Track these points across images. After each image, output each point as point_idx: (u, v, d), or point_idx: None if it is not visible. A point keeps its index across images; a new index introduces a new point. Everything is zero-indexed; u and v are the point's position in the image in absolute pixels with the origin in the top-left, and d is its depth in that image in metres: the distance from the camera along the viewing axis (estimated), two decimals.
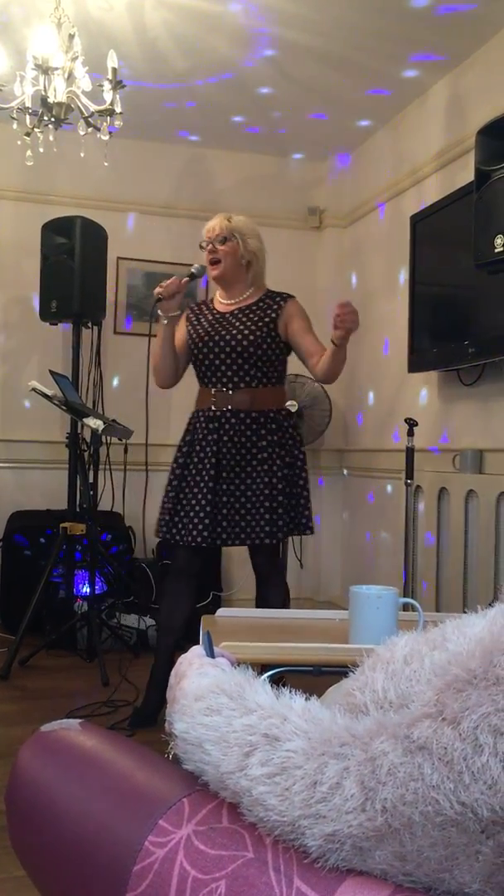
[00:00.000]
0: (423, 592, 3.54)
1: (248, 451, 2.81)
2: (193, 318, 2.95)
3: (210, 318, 2.92)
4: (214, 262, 2.88)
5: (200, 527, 2.74)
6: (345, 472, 4.79)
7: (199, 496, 2.77)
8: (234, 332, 2.83)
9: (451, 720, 0.61)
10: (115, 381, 4.53)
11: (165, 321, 2.86)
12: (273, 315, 2.86)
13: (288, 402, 3.53)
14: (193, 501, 2.79)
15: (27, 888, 1.55)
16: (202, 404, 2.89)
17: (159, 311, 2.85)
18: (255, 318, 2.85)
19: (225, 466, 2.80)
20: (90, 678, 3.30)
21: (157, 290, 2.84)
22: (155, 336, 2.97)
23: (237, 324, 2.85)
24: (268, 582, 2.97)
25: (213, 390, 2.85)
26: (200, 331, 2.89)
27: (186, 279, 2.87)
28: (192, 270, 2.91)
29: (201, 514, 2.75)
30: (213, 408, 2.84)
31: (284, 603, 2.98)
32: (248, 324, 2.84)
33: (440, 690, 0.64)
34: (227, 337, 2.82)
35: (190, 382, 4.70)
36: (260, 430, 2.81)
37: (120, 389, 4.57)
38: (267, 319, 2.85)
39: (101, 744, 0.83)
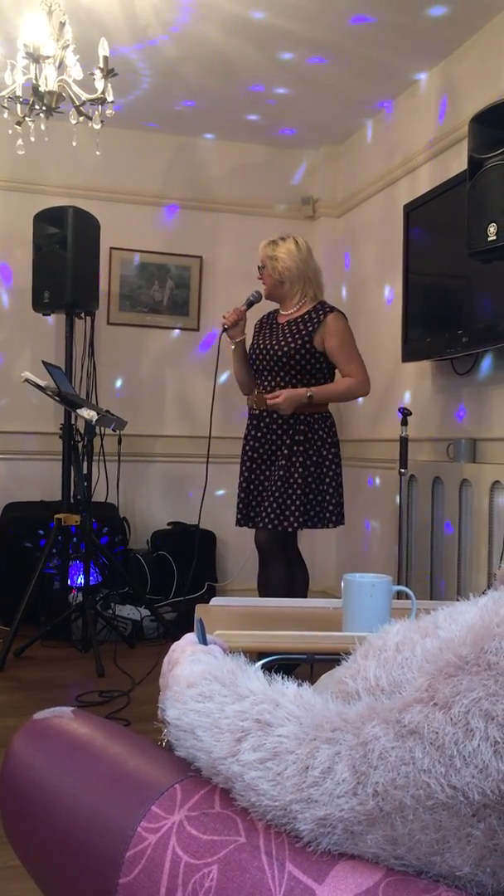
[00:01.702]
0: (417, 581, 3.55)
1: (279, 448, 3.17)
2: (258, 328, 3.33)
3: (269, 328, 3.29)
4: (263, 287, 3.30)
5: (238, 511, 3.23)
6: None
7: (240, 485, 3.24)
8: (277, 341, 3.18)
9: (443, 705, 0.61)
10: (109, 372, 4.52)
11: (233, 346, 3.28)
12: (311, 328, 3.17)
13: None
14: (238, 490, 3.26)
15: (22, 877, 1.56)
16: (252, 403, 3.29)
17: (228, 339, 3.26)
18: (296, 330, 3.18)
19: (256, 458, 3.21)
20: (85, 669, 3.31)
21: (222, 320, 3.25)
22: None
23: (282, 334, 3.20)
24: (262, 562, 3.28)
25: (256, 392, 3.25)
26: (257, 339, 3.27)
27: (245, 307, 3.26)
28: (250, 298, 3.29)
29: (239, 501, 3.23)
30: (254, 407, 3.26)
31: (306, 585, 3.31)
32: (289, 335, 3.18)
33: (432, 676, 0.64)
34: (269, 346, 3.19)
35: (183, 374, 4.70)
36: (288, 431, 3.15)
37: (113, 380, 4.56)
38: (304, 332, 3.16)
39: (93, 731, 0.83)
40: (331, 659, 1.18)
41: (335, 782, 0.64)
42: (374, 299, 4.38)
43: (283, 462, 3.13)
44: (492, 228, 2.45)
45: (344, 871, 0.63)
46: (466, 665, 0.62)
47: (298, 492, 3.10)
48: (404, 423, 3.51)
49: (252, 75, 3.92)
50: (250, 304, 3.27)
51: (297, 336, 3.15)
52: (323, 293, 3.33)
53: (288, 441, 3.14)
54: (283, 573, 3.23)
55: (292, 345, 3.14)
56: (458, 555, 3.27)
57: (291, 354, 3.13)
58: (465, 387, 3.50)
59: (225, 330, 3.23)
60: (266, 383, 3.20)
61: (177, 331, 4.69)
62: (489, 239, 2.47)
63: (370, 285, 4.43)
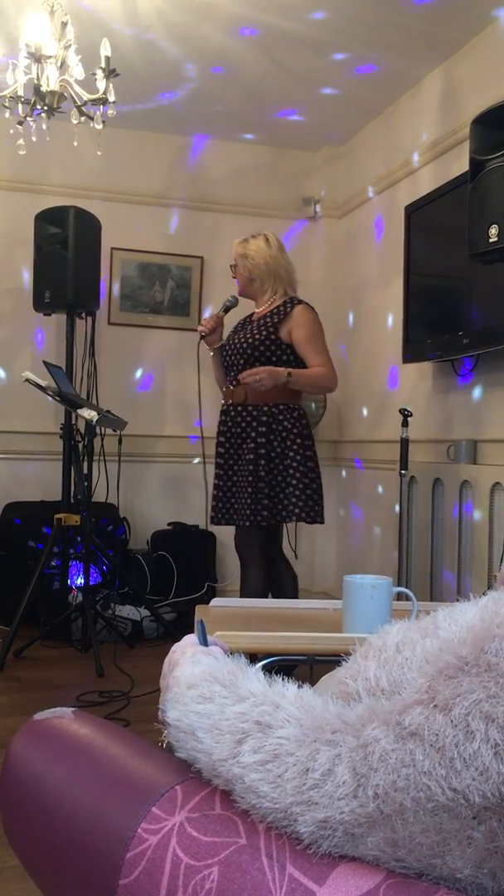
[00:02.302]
0: (418, 582, 3.55)
1: (244, 441, 3.13)
2: (235, 329, 3.33)
3: (242, 326, 3.30)
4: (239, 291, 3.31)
5: (214, 509, 3.19)
6: (344, 463, 4.79)
7: (215, 482, 3.21)
8: (245, 336, 3.17)
9: (443, 707, 0.61)
10: (109, 372, 4.52)
11: (211, 353, 3.29)
12: (277, 319, 3.15)
13: None
14: (212, 487, 3.24)
15: (22, 878, 1.55)
16: (221, 399, 3.29)
17: (206, 346, 3.26)
18: (265, 323, 3.17)
19: (223, 454, 3.18)
20: (85, 669, 3.31)
21: (199, 328, 3.25)
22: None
23: (251, 329, 3.19)
24: (274, 565, 3.24)
25: (225, 388, 3.26)
26: (231, 337, 3.27)
27: (222, 312, 3.30)
28: (227, 303, 3.33)
29: (214, 499, 3.20)
30: (222, 401, 3.25)
31: (293, 585, 3.26)
32: (256, 329, 3.16)
33: (432, 677, 0.64)
34: (237, 340, 3.19)
35: (183, 375, 4.69)
36: (252, 423, 3.11)
37: (114, 380, 4.56)
38: (270, 323, 3.15)
39: (93, 732, 0.83)
40: (331, 660, 1.18)
41: (335, 784, 0.64)
42: (374, 300, 4.38)
43: (251, 456, 3.08)
44: (493, 230, 2.45)
45: (344, 874, 0.63)
46: (466, 666, 0.62)
47: (262, 485, 3.04)
48: (405, 424, 3.51)
49: (253, 76, 3.92)
50: (227, 309, 3.31)
51: (262, 329, 3.13)
52: (295, 289, 3.30)
53: (253, 434, 3.09)
54: (260, 577, 3.17)
55: (258, 336, 3.12)
56: (459, 556, 3.26)
57: (256, 346, 3.10)
58: (465, 388, 3.50)
59: (203, 337, 3.24)
60: (233, 377, 3.19)
61: (177, 331, 4.69)
62: (490, 240, 2.47)
63: (371, 286, 4.43)
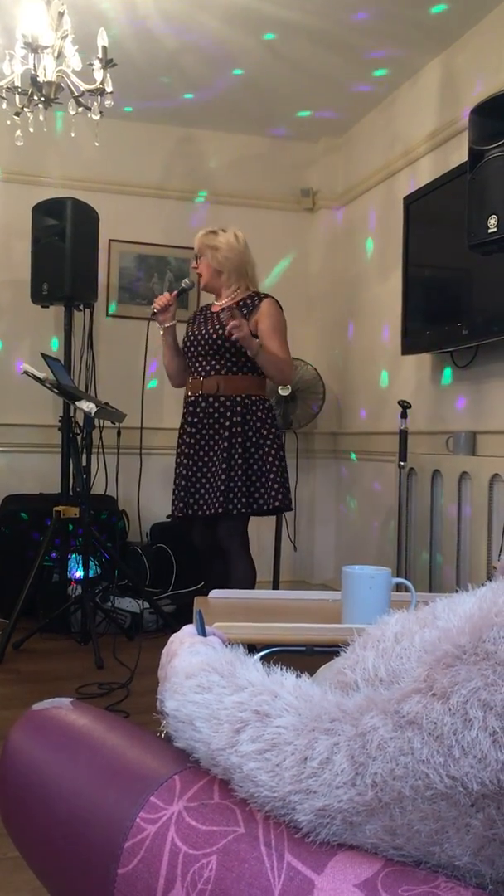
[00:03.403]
0: (416, 573, 3.55)
1: (216, 432, 3.17)
2: (192, 320, 3.37)
3: (203, 318, 3.32)
4: (200, 276, 3.33)
5: (177, 500, 3.20)
6: (344, 455, 4.79)
7: (179, 472, 3.22)
8: (211, 328, 3.20)
9: (441, 695, 0.61)
10: (108, 364, 4.51)
11: (162, 331, 3.30)
12: (245, 312, 3.19)
13: (280, 387, 3.76)
14: (176, 478, 3.24)
15: (22, 869, 1.56)
16: (187, 391, 3.30)
17: (157, 325, 3.28)
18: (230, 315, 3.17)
19: (193, 445, 3.20)
20: (84, 661, 3.31)
21: (153, 305, 3.28)
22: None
23: (216, 320, 3.21)
24: (228, 560, 3.22)
25: (190, 379, 3.27)
26: (191, 329, 3.30)
27: (176, 293, 3.31)
28: (183, 285, 3.35)
29: (178, 490, 3.20)
30: (189, 393, 3.26)
31: (248, 578, 3.20)
32: (222, 321, 3.14)
33: (430, 666, 0.64)
34: (203, 332, 3.22)
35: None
36: (226, 413, 3.17)
37: (112, 372, 4.55)
38: (240, 316, 3.14)
39: (92, 722, 0.83)
40: (329, 650, 1.18)
41: (334, 773, 0.64)
42: (373, 292, 4.38)
43: (225, 444, 3.12)
44: (492, 220, 2.45)
45: (343, 862, 0.63)
46: (464, 655, 0.62)
47: (240, 473, 3.10)
48: (404, 416, 3.51)
49: (252, 66, 3.90)
50: (182, 291, 3.34)
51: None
52: (257, 287, 3.36)
53: (227, 424, 3.14)
54: (252, 566, 3.25)
55: (220, 330, 3.13)
56: (458, 548, 3.27)
57: (226, 338, 3.09)
58: (464, 380, 3.49)
59: (154, 315, 3.26)
60: (200, 368, 3.21)
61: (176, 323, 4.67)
62: (489, 231, 2.46)
63: (369, 278, 4.42)
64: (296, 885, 0.62)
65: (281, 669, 0.77)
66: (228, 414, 3.15)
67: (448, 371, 3.61)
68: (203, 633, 0.97)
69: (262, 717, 0.71)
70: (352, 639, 0.94)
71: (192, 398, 3.22)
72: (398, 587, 1.83)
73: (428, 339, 3.56)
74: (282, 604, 2.11)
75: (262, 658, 0.84)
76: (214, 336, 3.16)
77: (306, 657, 1.51)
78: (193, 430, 3.19)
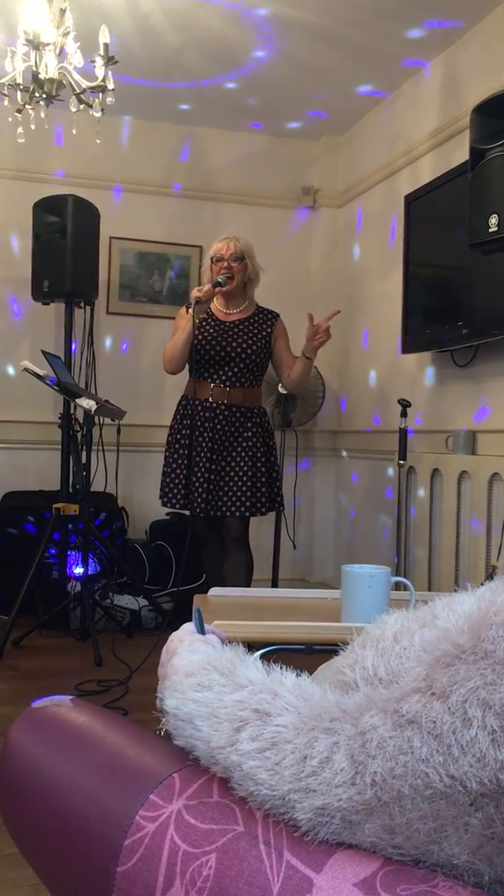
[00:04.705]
0: (416, 572, 3.55)
1: (236, 438, 3.39)
2: (202, 326, 3.42)
3: (214, 324, 3.42)
4: (230, 277, 3.38)
5: (199, 500, 3.32)
6: (343, 454, 4.79)
7: (199, 474, 3.34)
8: (241, 342, 3.39)
9: (440, 694, 0.61)
10: (108, 362, 4.51)
11: (198, 321, 3.37)
12: (269, 331, 3.47)
13: (280, 385, 3.84)
14: (194, 479, 3.35)
15: (21, 866, 1.56)
16: (200, 394, 3.41)
17: (193, 312, 3.32)
18: (255, 332, 3.43)
19: (216, 450, 3.36)
20: (83, 658, 3.31)
21: (196, 293, 3.29)
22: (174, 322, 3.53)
23: (240, 334, 3.41)
24: (237, 550, 3.45)
25: (212, 385, 3.39)
26: (207, 335, 3.38)
27: (215, 287, 3.35)
28: (219, 280, 3.36)
29: (200, 490, 3.32)
30: (210, 400, 3.37)
31: (252, 565, 3.51)
32: (249, 336, 3.42)
33: (429, 666, 0.64)
34: (234, 345, 3.38)
35: None
36: (246, 423, 3.41)
37: (112, 370, 4.55)
38: (264, 335, 3.45)
39: (91, 720, 0.83)
40: (329, 649, 1.18)
41: (333, 772, 0.64)
42: (373, 291, 4.37)
43: (248, 451, 3.37)
44: (493, 220, 2.44)
45: (342, 861, 0.63)
46: (464, 654, 0.62)
47: (263, 479, 3.39)
48: (403, 414, 3.51)
49: (254, 64, 3.90)
50: (217, 286, 3.38)
51: (259, 338, 3.42)
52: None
53: (248, 434, 3.39)
54: (220, 554, 3.48)
55: (257, 346, 3.40)
56: (457, 546, 3.27)
57: (257, 352, 3.40)
58: (464, 379, 3.49)
59: (198, 303, 3.29)
60: (226, 378, 3.38)
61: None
62: (490, 230, 2.46)
63: (370, 276, 4.42)
64: (294, 883, 0.62)
65: (280, 668, 0.78)
66: (249, 424, 3.41)
67: (448, 370, 3.61)
68: (202, 631, 0.97)
69: (262, 716, 0.71)
70: (351, 638, 0.95)
71: (214, 404, 3.37)
72: (397, 586, 1.83)
73: (428, 337, 3.56)
74: (281, 602, 2.12)
75: (261, 657, 0.84)
76: (248, 352, 3.38)
77: (305, 656, 1.51)
78: (217, 435, 3.36)
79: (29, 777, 0.81)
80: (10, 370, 4.37)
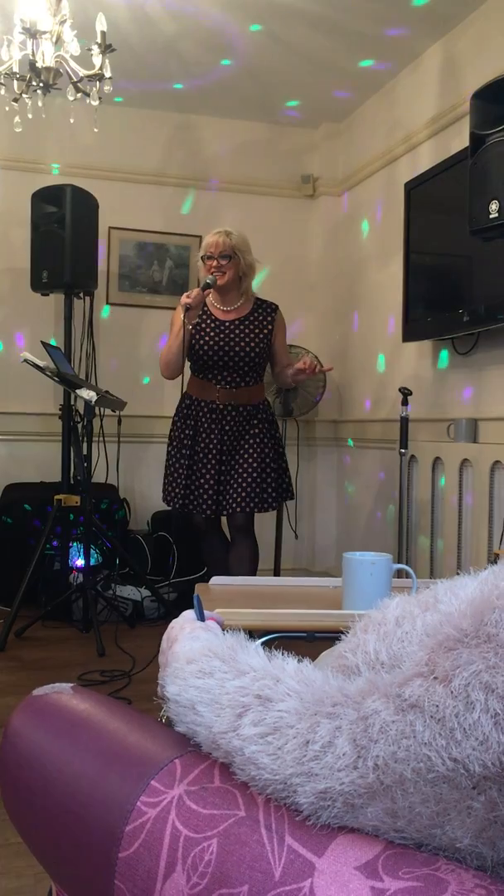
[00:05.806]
0: (418, 560, 3.55)
1: (243, 436, 3.39)
2: (199, 327, 3.37)
3: (211, 324, 3.38)
4: (221, 273, 3.33)
5: (210, 501, 3.33)
6: (350, 442, 4.79)
7: (207, 476, 3.34)
8: (243, 343, 3.35)
9: (443, 678, 0.61)
10: (108, 353, 4.50)
11: (190, 326, 3.33)
12: (269, 327, 3.42)
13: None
14: (202, 480, 3.35)
15: (24, 854, 1.56)
16: (204, 395, 3.39)
17: (185, 319, 3.26)
18: (256, 330, 3.39)
19: (224, 451, 3.36)
20: (86, 649, 3.32)
21: (186, 300, 3.20)
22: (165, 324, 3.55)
23: (242, 335, 3.36)
24: (245, 539, 3.44)
25: (217, 386, 3.37)
26: (208, 338, 3.34)
27: (205, 290, 3.30)
28: (208, 281, 3.30)
29: (210, 492, 3.33)
30: (216, 401, 3.37)
31: (258, 555, 3.50)
32: (251, 335, 3.37)
33: (431, 650, 0.63)
34: (237, 348, 3.34)
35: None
36: (252, 420, 3.41)
37: (113, 360, 4.55)
38: (265, 332, 3.40)
39: (92, 707, 0.83)
40: (330, 636, 1.18)
41: (336, 756, 0.64)
42: (373, 279, 4.36)
43: (258, 447, 3.36)
44: (493, 206, 2.43)
45: (343, 845, 0.63)
46: (466, 638, 0.61)
47: (273, 472, 3.39)
48: (405, 403, 3.50)
49: (251, 52, 3.87)
50: (207, 287, 3.32)
51: (261, 336, 3.39)
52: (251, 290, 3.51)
53: (255, 431, 3.39)
54: (222, 545, 3.50)
55: (261, 346, 3.38)
56: (459, 535, 3.27)
57: (261, 354, 3.38)
58: (465, 366, 3.48)
59: (188, 309, 3.22)
60: (231, 380, 3.37)
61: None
62: (491, 217, 2.45)
63: (370, 265, 4.41)
64: (296, 867, 0.62)
65: (282, 655, 0.77)
66: (255, 421, 3.41)
67: (449, 358, 3.60)
68: (202, 618, 0.97)
69: (264, 702, 0.70)
70: (353, 623, 0.94)
71: (220, 406, 3.36)
72: (399, 573, 1.83)
73: (429, 325, 3.55)
74: (282, 590, 2.11)
75: (262, 644, 0.84)
76: (253, 353, 3.36)
77: (307, 643, 1.51)
78: (224, 437, 3.36)
79: (30, 764, 0.80)
80: (10, 362, 4.37)
